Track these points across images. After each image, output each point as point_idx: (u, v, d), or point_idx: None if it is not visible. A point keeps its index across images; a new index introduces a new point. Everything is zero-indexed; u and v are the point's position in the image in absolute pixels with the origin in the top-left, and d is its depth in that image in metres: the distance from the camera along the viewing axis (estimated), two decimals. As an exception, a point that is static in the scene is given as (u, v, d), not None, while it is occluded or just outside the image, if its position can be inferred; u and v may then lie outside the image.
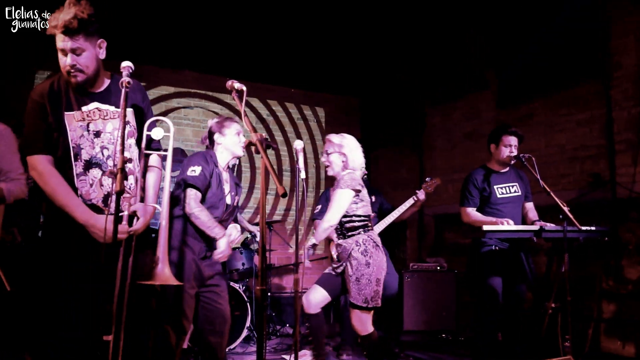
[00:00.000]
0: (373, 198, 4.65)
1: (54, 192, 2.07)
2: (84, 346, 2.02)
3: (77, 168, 2.13)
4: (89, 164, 2.14)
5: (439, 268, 5.49)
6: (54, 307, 2.05)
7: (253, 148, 1.85)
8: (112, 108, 2.21)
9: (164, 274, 2.03)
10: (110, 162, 2.13)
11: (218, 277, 2.90)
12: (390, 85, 7.17)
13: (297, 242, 2.69)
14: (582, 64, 4.62)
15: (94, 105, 2.17)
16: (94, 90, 2.19)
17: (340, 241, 3.14)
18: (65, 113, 2.12)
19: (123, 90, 1.98)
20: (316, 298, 3.17)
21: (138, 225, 2.09)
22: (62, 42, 2.03)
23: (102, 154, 2.15)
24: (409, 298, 5.33)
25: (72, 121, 2.13)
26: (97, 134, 2.17)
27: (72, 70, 2.07)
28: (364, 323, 3.02)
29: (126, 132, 2.16)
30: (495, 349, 3.70)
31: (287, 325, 5.44)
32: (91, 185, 2.13)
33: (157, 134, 2.21)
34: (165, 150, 2.30)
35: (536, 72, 5.09)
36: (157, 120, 2.32)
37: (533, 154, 3.76)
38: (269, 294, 5.36)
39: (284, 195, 1.64)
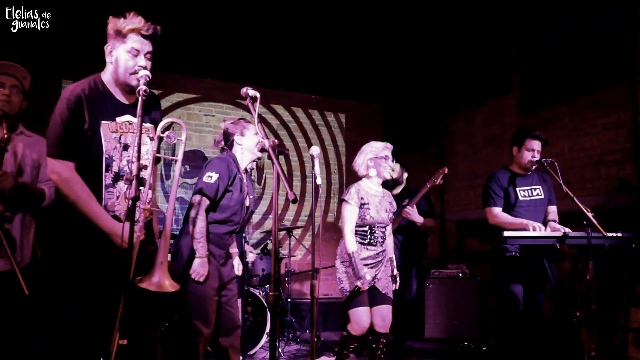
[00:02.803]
0: (406, 201, 4.59)
1: (78, 200, 2.06)
2: (90, 348, 2.04)
3: (107, 179, 2.13)
4: (118, 177, 2.14)
5: (460, 275, 5.43)
6: (65, 308, 2.08)
7: (266, 154, 1.86)
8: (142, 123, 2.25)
9: (164, 283, 2.00)
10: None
11: (232, 283, 2.96)
12: (411, 91, 7.14)
13: (314, 247, 2.68)
14: (608, 66, 4.51)
15: (126, 117, 2.19)
16: (127, 102, 2.22)
17: (380, 247, 3.37)
18: (102, 122, 2.12)
19: (140, 99, 1.99)
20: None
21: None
22: (140, 43, 2.13)
23: (128, 167, 2.15)
24: (431, 305, 5.27)
25: (107, 131, 2.13)
26: (126, 147, 2.17)
27: (142, 72, 2.08)
28: None
29: (151, 145, 2.19)
30: (517, 358, 3.62)
31: (307, 331, 5.44)
32: (117, 197, 2.14)
33: (171, 138, 2.18)
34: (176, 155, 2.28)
35: (560, 75, 5.00)
36: (172, 123, 2.29)
37: (557, 158, 3.67)
38: (289, 300, 5.36)
39: (294, 201, 1.65)
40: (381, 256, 3.37)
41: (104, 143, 2.12)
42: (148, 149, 2.25)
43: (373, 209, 3.31)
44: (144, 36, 2.14)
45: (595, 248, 3.17)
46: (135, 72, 2.11)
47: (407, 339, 4.91)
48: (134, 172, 1.86)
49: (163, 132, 2.17)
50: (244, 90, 2.13)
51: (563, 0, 4.92)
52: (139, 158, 1.90)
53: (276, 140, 1.85)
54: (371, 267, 3.31)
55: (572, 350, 3.24)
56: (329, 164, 7.35)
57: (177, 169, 2.21)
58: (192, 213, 2.72)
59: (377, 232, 3.35)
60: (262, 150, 1.83)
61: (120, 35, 2.13)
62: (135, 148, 1.91)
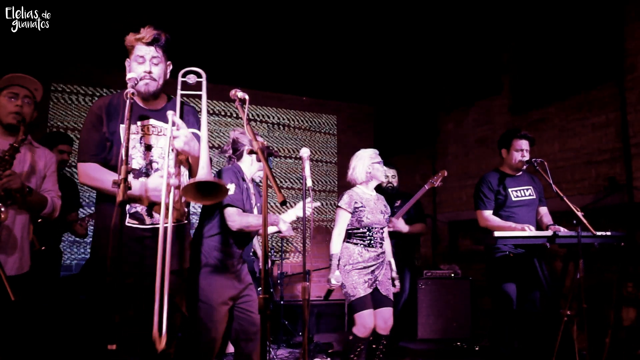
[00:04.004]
0: (398, 202, 4.62)
1: (102, 182, 2.19)
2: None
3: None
4: (139, 174, 2.26)
5: (453, 275, 5.44)
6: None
7: (255, 156, 1.85)
8: (165, 125, 2.33)
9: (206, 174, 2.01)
10: (157, 174, 2.25)
11: (249, 288, 2.91)
12: (403, 93, 7.16)
13: (304, 249, 2.67)
14: (597, 66, 4.55)
15: (149, 121, 2.34)
16: (151, 108, 2.37)
17: (380, 249, 3.44)
18: (121, 125, 2.26)
19: (128, 102, 2.01)
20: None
21: (178, 142, 2.16)
22: (144, 51, 2.29)
23: (151, 166, 2.28)
24: (423, 305, 5.28)
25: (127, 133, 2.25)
26: (148, 148, 2.31)
27: (147, 77, 2.28)
28: None
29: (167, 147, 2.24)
30: (512, 357, 3.63)
31: (300, 333, 5.43)
32: None
33: (191, 79, 2.35)
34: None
35: (550, 76, 5.03)
36: (190, 71, 2.41)
37: (547, 158, 3.70)
38: (282, 302, 5.35)
39: (283, 203, 1.64)
40: (381, 258, 3.44)
41: (123, 144, 2.18)
42: (161, 152, 2.31)
43: (368, 211, 3.41)
44: (147, 44, 2.29)
45: (585, 247, 3.19)
46: (142, 78, 2.27)
47: (400, 340, 4.92)
48: (121, 176, 1.85)
49: (184, 76, 2.32)
50: (232, 92, 2.13)
51: (553, 1, 4.96)
52: (126, 162, 1.90)
53: (265, 142, 1.84)
54: (373, 270, 3.37)
55: (564, 349, 3.25)
56: (322, 166, 7.35)
57: (203, 102, 2.30)
58: (237, 224, 2.72)
59: (375, 233, 3.43)
60: (251, 152, 1.81)
61: (130, 47, 2.32)
62: (123, 151, 1.91)
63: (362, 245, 3.40)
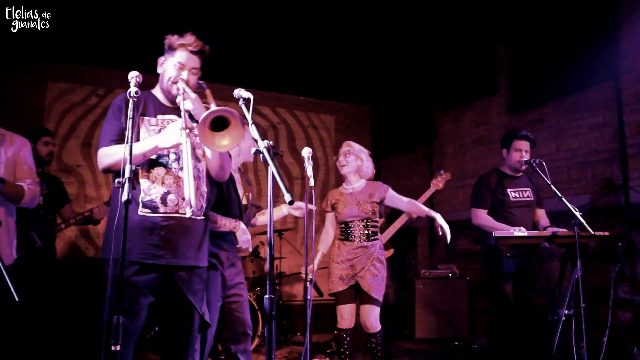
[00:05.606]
0: None
1: (121, 152, 2.11)
2: None
3: (144, 164, 2.23)
4: (156, 163, 2.25)
5: (450, 275, 5.46)
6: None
7: (260, 156, 1.85)
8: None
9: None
10: (175, 165, 2.26)
11: (240, 286, 2.87)
12: (401, 93, 7.17)
13: (307, 249, 2.67)
14: (594, 67, 4.58)
15: (170, 116, 2.35)
16: (172, 106, 2.39)
17: (365, 243, 3.42)
18: (143, 117, 2.30)
19: (131, 101, 2.00)
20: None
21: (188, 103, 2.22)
22: (188, 59, 2.33)
23: (169, 157, 2.26)
24: (421, 305, 5.30)
25: (147, 124, 2.28)
26: None
27: (183, 84, 2.27)
28: (378, 319, 3.34)
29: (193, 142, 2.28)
30: (510, 356, 3.65)
31: (299, 334, 5.43)
32: (153, 182, 2.22)
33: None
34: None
35: (547, 76, 5.06)
36: None
37: (544, 158, 3.72)
38: (280, 302, 5.35)
39: (291, 202, 1.64)
40: (361, 253, 3.40)
41: (142, 133, 2.26)
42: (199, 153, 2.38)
43: (342, 206, 3.51)
44: (191, 52, 2.32)
45: (582, 247, 3.21)
46: (175, 82, 2.29)
47: (396, 340, 4.93)
48: (126, 175, 1.84)
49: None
50: (236, 92, 2.10)
51: (550, 1, 4.98)
52: (130, 161, 1.88)
53: (271, 142, 1.84)
54: (352, 265, 3.38)
55: (562, 348, 3.28)
56: (318, 166, 7.35)
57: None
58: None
59: (354, 227, 3.46)
60: (257, 151, 1.81)
61: (171, 49, 2.34)
62: (127, 150, 1.89)
63: (340, 239, 3.53)
